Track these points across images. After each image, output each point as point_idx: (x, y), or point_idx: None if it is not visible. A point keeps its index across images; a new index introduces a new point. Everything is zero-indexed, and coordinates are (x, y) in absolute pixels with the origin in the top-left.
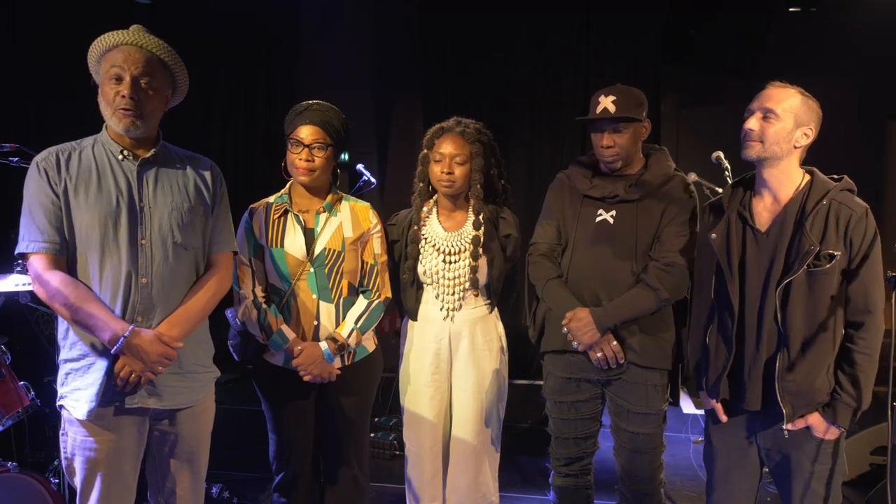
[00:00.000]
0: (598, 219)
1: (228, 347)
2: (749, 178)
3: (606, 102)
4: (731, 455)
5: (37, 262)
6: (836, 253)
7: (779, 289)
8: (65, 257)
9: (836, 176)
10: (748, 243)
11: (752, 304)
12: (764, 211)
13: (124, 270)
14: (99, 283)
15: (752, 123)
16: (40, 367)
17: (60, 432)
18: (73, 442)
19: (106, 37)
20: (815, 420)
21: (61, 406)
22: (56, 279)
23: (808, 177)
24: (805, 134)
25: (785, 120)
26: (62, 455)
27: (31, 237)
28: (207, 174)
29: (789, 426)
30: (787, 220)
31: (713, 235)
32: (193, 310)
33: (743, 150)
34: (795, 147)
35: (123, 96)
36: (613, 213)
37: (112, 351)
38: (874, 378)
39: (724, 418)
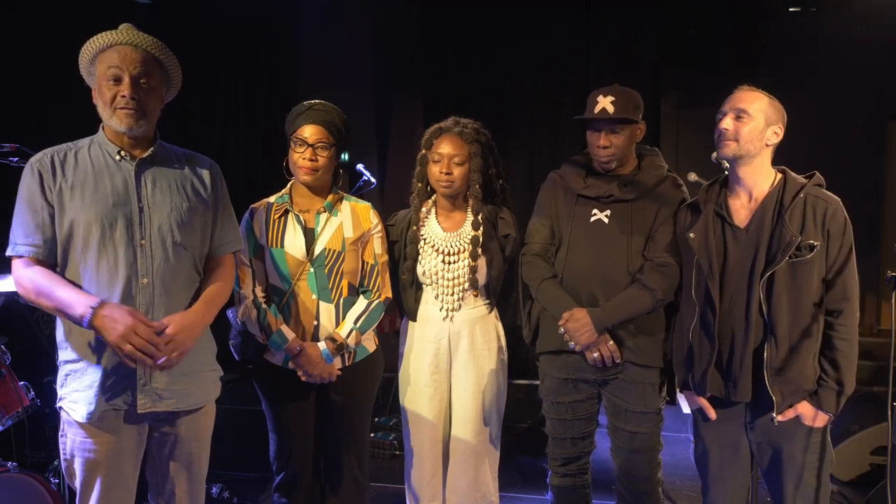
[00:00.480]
0: (593, 218)
1: (229, 347)
2: (722, 179)
3: (605, 103)
4: (723, 452)
5: (19, 265)
6: (815, 243)
7: (762, 280)
8: (51, 261)
9: (805, 175)
10: (728, 240)
11: (737, 298)
12: (741, 208)
13: (125, 271)
14: (98, 284)
15: (727, 123)
16: (40, 367)
17: (60, 434)
18: (73, 444)
19: (98, 38)
20: (804, 408)
21: (60, 408)
22: (32, 272)
23: (780, 175)
24: (775, 132)
25: (757, 119)
26: (62, 457)
27: (16, 240)
28: (206, 173)
29: (779, 417)
30: (766, 215)
31: (691, 235)
32: (203, 307)
33: (719, 150)
34: (767, 145)
35: (124, 96)
36: (608, 212)
37: (84, 324)
38: (856, 362)
39: (712, 415)
